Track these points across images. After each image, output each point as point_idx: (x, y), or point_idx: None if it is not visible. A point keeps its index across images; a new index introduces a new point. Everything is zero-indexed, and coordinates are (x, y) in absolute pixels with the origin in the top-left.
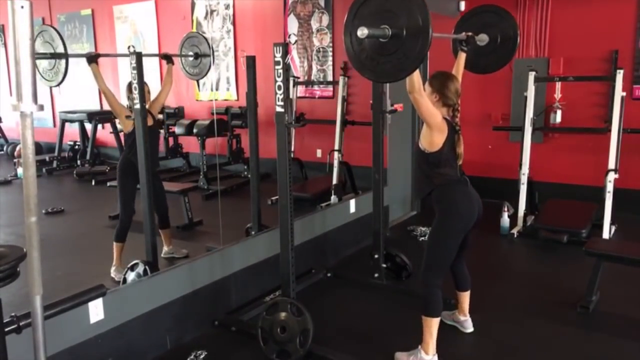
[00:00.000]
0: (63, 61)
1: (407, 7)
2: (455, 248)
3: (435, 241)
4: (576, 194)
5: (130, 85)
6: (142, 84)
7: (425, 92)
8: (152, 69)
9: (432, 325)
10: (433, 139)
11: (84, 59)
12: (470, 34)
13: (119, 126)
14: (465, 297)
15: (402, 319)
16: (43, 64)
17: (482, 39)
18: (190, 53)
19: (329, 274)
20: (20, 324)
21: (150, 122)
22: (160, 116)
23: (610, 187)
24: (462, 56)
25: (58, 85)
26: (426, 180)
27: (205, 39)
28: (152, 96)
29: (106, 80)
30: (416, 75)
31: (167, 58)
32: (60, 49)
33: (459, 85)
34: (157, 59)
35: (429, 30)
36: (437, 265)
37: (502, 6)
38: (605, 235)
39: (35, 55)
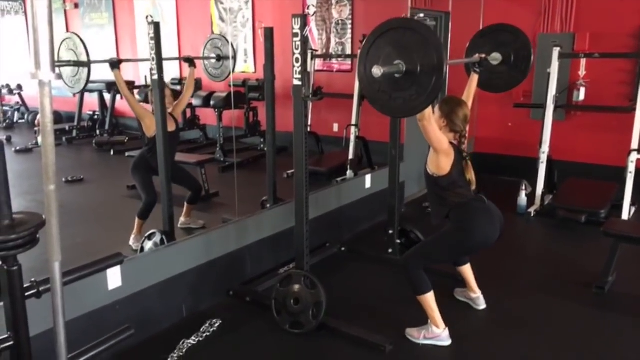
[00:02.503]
0: (86, 69)
1: (423, 44)
2: (460, 256)
3: (445, 244)
4: (596, 173)
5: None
6: (160, 55)
7: (434, 116)
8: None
9: (428, 301)
10: (440, 163)
11: (102, 27)
12: (483, 56)
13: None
14: (467, 272)
15: (414, 296)
16: (66, 70)
17: (496, 57)
18: (213, 55)
19: (343, 249)
20: (40, 289)
21: (172, 127)
22: (192, 99)
23: (632, 167)
24: (475, 77)
25: (79, 92)
26: (440, 203)
27: (227, 41)
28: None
29: (125, 51)
30: None
31: (189, 61)
32: (84, 56)
33: (467, 112)
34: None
35: (444, 69)
36: (431, 261)
37: None
38: (625, 216)
39: (59, 63)
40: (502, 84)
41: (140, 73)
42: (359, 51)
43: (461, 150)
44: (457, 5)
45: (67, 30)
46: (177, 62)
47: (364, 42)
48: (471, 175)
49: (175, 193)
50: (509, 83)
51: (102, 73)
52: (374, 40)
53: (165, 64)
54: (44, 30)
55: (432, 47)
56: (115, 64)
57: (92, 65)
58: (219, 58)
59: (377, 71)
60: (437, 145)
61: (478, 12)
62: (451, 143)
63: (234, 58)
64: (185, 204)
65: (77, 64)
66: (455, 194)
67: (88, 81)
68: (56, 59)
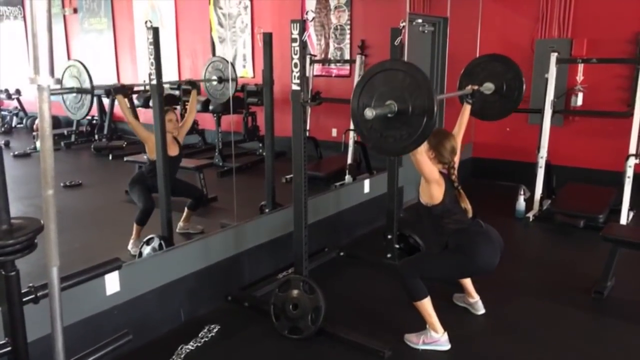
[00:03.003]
0: (89, 96)
1: (416, 87)
2: (456, 279)
3: (445, 264)
4: (595, 178)
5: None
6: (159, 59)
7: (423, 149)
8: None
9: (425, 307)
10: (432, 192)
11: (101, 32)
12: (475, 87)
13: (145, 156)
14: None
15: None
16: (69, 97)
17: (488, 87)
18: (214, 77)
19: (341, 253)
20: (38, 294)
21: (175, 151)
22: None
23: (630, 172)
24: (467, 108)
25: (82, 118)
26: (438, 232)
27: (230, 63)
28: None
29: (123, 56)
30: None
31: (191, 84)
32: (87, 83)
33: (455, 144)
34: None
35: (434, 112)
36: (426, 274)
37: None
38: (623, 221)
39: (62, 90)
40: (494, 113)
41: (139, 77)
42: (353, 91)
43: (452, 180)
44: (456, 11)
45: (66, 36)
46: (176, 65)
47: (359, 80)
48: (466, 204)
49: (174, 198)
50: (501, 112)
51: (101, 78)
52: (369, 78)
53: (163, 67)
54: (43, 35)
55: (424, 90)
56: (118, 90)
57: (91, 69)
58: (220, 80)
59: (369, 113)
60: (429, 175)
61: (476, 17)
62: (441, 172)
63: (235, 80)
64: (186, 209)
65: (80, 90)
66: (452, 221)
67: (90, 108)
68: (59, 86)
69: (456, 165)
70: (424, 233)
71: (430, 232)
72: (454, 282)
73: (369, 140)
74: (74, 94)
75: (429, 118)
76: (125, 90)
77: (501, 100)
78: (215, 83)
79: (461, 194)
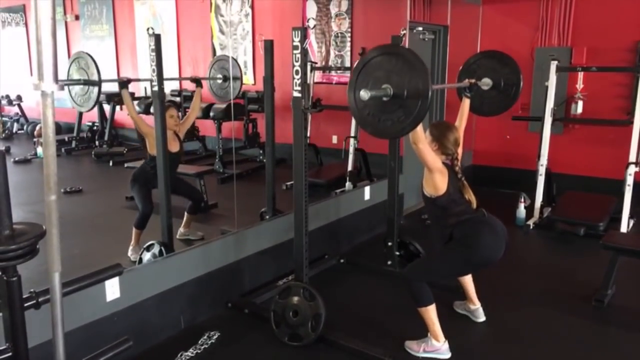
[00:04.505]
0: (96, 88)
1: (409, 70)
2: (464, 275)
3: (449, 260)
4: (595, 186)
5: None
6: (160, 66)
7: (426, 140)
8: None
9: (430, 314)
10: (436, 182)
11: (102, 39)
12: (473, 81)
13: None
14: (468, 283)
15: (414, 308)
16: (76, 89)
17: (486, 82)
18: (219, 76)
19: (342, 260)
20: (39, 299)
21: (176, 148)
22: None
23: (630, 180)
24: (466, 102)
25: (88, 110)
26: (442, 224)
27: (236, 61)
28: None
29: (124, 61)
30: (419, 127)
31: (196, 81)
32: (95, 76)
33: (458, 135)
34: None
35: (429, 94)
36: (434, 276)
37: None
38: (624, 228)
39: (69, 81)
40: (492, 108)
41: (140, 84)
42: (349, 80)
43: (455, 171)
44: (456, 19)
45: (68, 42)
46: (177, 72)
47: (353, 69)
48: (470, 195)
49: (174, 204)
50: (499, 108)
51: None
52: (363, 66)
53: (165, 74)
54: (47, 41)
55: (418, 73)
56: (123, 84)
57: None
58: (225, 79)
59: (364, 94)
60: (432, 164)
61: (476, 26)
62: (444, 163)
63: (240, 79)
64: (185, 214)
65: (87, 82)
66: (456, 213)
67: (98, 100)
68: (66, 77)
69: (459, 157)
70: (432, 225)
71: (435, 224)
72: (458, 286)
73: (368, 125)
74: (81, 86)
75: (423, 100)
76: (128, 82)
77: (499, 95)
78: (220, 82)
79: (465, 185)
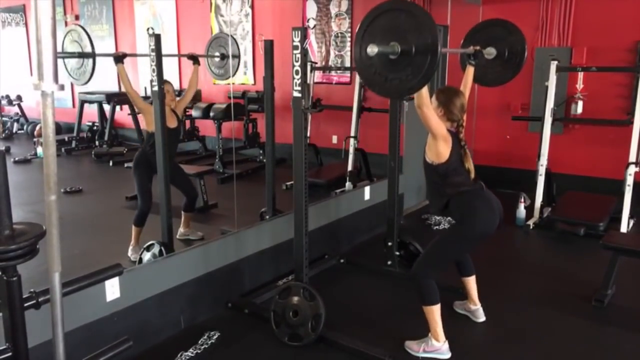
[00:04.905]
0: (90, 60)
1: (417, 25)
2: (466, 252)
3: (447, 241)
4: (595, 186)
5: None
6: (160, 66)
7: (432, 106)
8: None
9: (434, 313)
10: (439, 149)
11: (102, 39)
12: (478, 48)
13: (142, 125)
14: (471, 283)
15: (413, 308)
16: (71, 62)
17: (490, 52)
18: (217, 53)
19: (342, 260)
20: (39, 299)
21: (174, 123)
22: (191, 110)
23: (630, 180)
24: (471, 70)
25: (85, 84)
26: (439, 193)
27: (234, 39)
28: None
29: (124, 63)
30: (424, 90)
31: (193, 58)
32: (88, 49)
33: (464, 101)
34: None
35: (438, 49)
36: (439, 263)
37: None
38: (624, 229)
39: (64, 54)
40: (496, 78)
41: (140, 84)
42: (355, 37)
43: (459, 138)
44: (456, 19)
45: None
46: (177, 73)
47: (359, 25)
48: (470, 164)
49: (173, 204)
50: (503, 77)
51: (101, 84)
52: (369, 22)
53: (165, 74)
54: (47, 41)
55: (426, 28)
56: (119, 58)
57: (93, 76)
58: (223, 57)
59: (371, 50)
60: (436, 130)
61: None
62: (449, 131)
63: (238, 57)
64: (182, 212)
65: (82, 55)
66: (454, 183)
67: (93, 73)
68: (60, 49)
69: (464, 124)
70: (427, 191)
71: (432, 192)
72: (459, 286)
73: (374, 85)
74: (76, 60)
75: (432, 56)
76: (124, 56)
77: (503, 65)
78: (217, 60)
79: (466, 153)
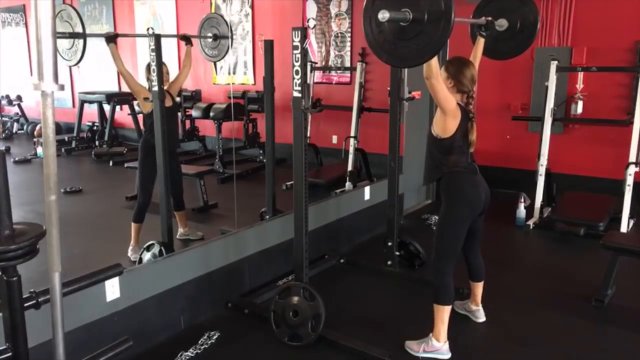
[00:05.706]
0: (81, 41)
1: None
2: (463, 235)
3: (443, 230)
4: (595, 186)
5: (149, 66)
6: (160, 66)
7: (441, 78)
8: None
9: (443, 313)
10: (446, 124)
11: (104, 41)
12: (489, 18)
13: (137, 108)
14: (479, 288)
15: (414, 307)
16: (62, 43)
17: (502, 24)
18: (209, 34)
19: (342, 260)
20: (39, 299)
21: (169, 102)
22: (178, 99)
23: (630, 180)
24: (481, 42)
25: (76, 64)
26: (435, 167)
27: (225, 20)
28: (171, 77)
29: (125, 61)
30: (434, 61)
31: (186, 39)
32: (79, 28)
33: (475, 72)
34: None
35: (452, 15)
36: (447, 253)
37: None
38: (624, 228)
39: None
40: (507, 49)
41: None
42: (364, 4)
43: (468, 110)
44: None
45: None
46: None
47: None
48: (473, 136)
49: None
50: (515, 49)
51: (102, 84)
52: None
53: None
54: (47, 41)
55: None
56: (111, 38)
57: (93, 75)
58: (216, 37)
59: (382, 15)
60: (445, 104)
61: None
62: (458, 104)
63: (231, 38)
64: (174, 213)
65: (72, 35)
66: (452, 162)
67: (84, 53)
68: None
69: (475, 95)
70: (425, 162)
71: (429, 165)
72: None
73: (384, 53)
74: (67, 40)
75: (446, 22)
76: (116, 36)
77: (515, 37)
78: (210, 41)
79: (473, 126)
